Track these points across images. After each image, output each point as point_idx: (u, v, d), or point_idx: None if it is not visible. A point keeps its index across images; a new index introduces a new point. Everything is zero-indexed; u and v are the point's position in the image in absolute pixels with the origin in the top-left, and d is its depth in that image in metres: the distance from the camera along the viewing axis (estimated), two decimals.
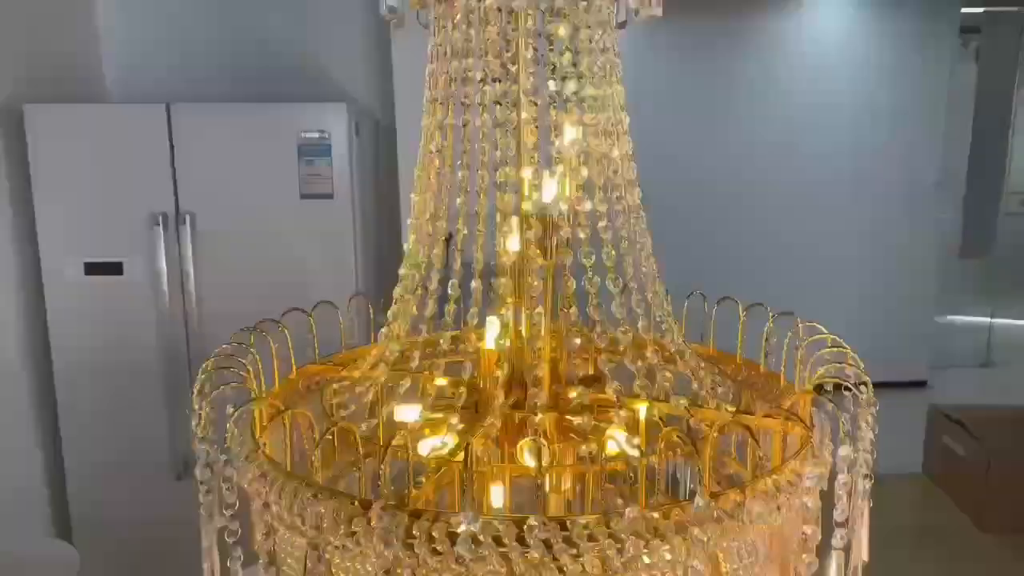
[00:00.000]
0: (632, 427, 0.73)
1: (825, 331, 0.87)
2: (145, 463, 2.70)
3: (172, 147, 2.57)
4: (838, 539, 0.62)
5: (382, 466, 0.57)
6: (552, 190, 0.72)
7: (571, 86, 0.68)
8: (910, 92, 4.91)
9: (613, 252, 0.72)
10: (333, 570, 0.59)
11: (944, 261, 5.28)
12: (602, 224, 0.72)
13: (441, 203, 0.78)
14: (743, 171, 4.89)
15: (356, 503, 0.59)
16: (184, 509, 2.95)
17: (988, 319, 5.85)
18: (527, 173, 0.68)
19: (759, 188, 4.91)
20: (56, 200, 2.55)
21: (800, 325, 0.90)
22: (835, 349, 0.81)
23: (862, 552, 0.69)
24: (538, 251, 0.70)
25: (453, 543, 0.56)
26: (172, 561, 2.76)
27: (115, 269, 2.61)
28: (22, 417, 2.61)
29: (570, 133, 0.72)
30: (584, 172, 0.71)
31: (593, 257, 0.71)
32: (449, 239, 2.73)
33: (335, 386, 0.81)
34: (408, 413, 0.81)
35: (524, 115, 0.69)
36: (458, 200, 0.77)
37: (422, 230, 0.79)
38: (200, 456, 0.68)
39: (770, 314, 0.96)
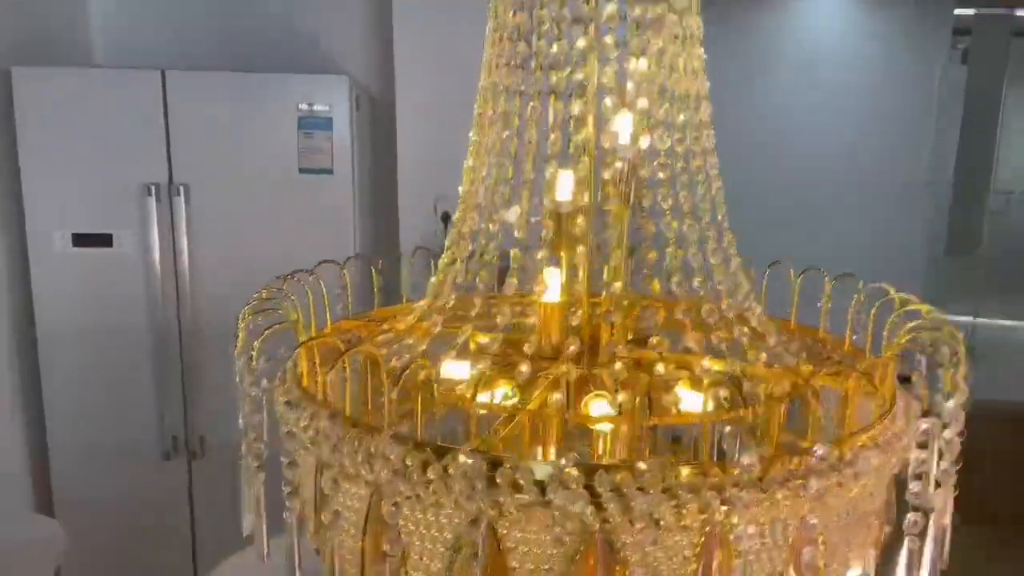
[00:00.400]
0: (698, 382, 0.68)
1: (892, 291, 0.83)
2: (132, 443, 2.62)
3: (167, 115, 2.48)
4: (940, 501, 0.59)
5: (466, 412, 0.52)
6: (627, 128, 0.67)
7: (656, 10, 0.64)
8: (902, 91, 4.93)
9: (690, 196, 0.67)
10: (402, 521, 0.54)
11: (930, 258, 5.32)
12: (680, 165, 0.68)
13: (499, 140, 0.73)
14: (731, 166, 4.86)
15: (430, 450, 0.54)
16: (172, 491, 2.88)
17: (971, 317, 5.91)
18: (608, 102, 0.63)
19: (747, 184, 4.89)
20: (44, 167, 2.45)
21: (862, 287, 0.86)
22: (907, 309, 0.77)
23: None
24: (614, 193, 0.65)
25: (542, 492, 0.51)
26: (159, 543, 2.68)
27: (104, 241, 2.52)
28: (3, 393, 2.51)
29: (643, 63, 0.67)
30: (662, 109, 0.66)
31: (670, 200, 0.67)
32: (447, 219, 2.68)
33: (380, 338, 0.76)
34: (456, 369, 0.76)
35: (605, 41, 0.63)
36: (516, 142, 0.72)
37: (478, 172, 0.74)
38: (244, 400, 0.62)
39: (827, 278, 0.92)
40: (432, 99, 2.84)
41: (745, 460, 0.49)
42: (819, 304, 0.92)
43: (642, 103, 0.64)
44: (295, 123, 2.53)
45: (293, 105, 2.53)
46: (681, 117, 0.67)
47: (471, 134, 0.74)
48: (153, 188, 2.50)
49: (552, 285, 0.74)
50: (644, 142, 0.64)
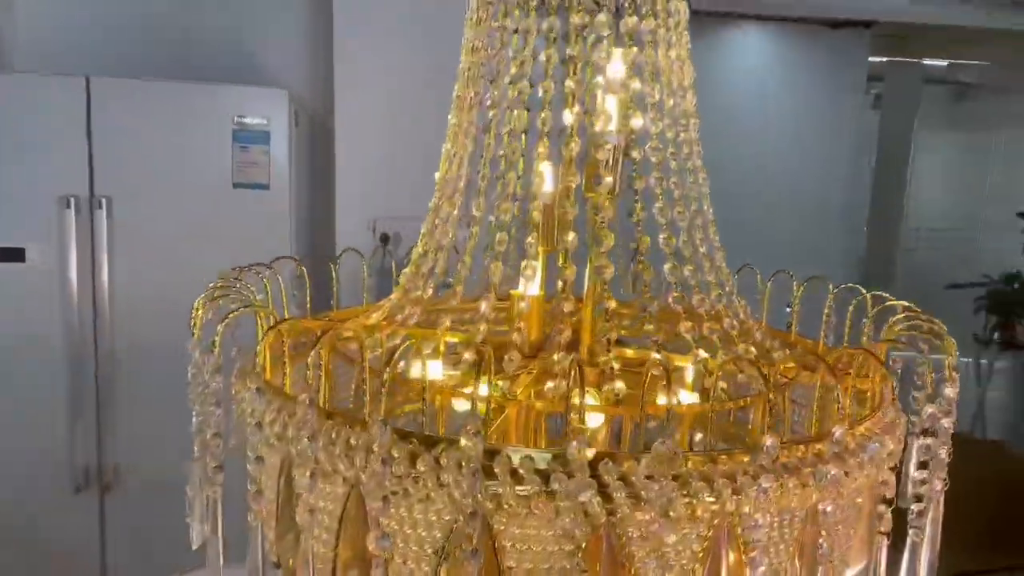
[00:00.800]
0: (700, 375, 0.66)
1: (864, 291, 0.83)
2: (39, 474, 2.42)
3: (89, 124, 2.35)
4: (938, 487, 0.57)
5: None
6: (615, 111, 0.65)
7: None
8: (820, 134, 5.14)
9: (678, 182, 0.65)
10: (386, 520, 0.49)
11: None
12: (670, 151, 0.66)
13: (474, 126, 0.70)
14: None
15: (416, 441, 0.49)
16: (83, 525, 2.66)
17: None
18: (600, 80, 0.61)
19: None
20: None
21: (833, 289, 0.86)
22: (885, 306, 0.77)
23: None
24: (605, 174, 0.63)
25: (545, 481, 0.47)
26: None
27: (16, 255, 2.35)
28: None
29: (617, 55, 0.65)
30: (654, 90, 0.64)
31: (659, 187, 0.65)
32: (386, 240, 2.59)
33: (347, 335, 0.70)
34: (430, 368, 0.71)
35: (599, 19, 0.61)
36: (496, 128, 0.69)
37: (455, 157, 0.71)
38: (200, 396, 0.56)
39: (795, 281, 0.92)
40: (372, 117, 2.80)
41: (768, 441, 0.46)
42: (787, 308, 0.93)
43: (635, 85, 0.62)
44: (229, 136, 2.44)
45: (228, 117, 2.43)
46: (671, 102, 0.66)
47: (450, 116, 0.71)
48: (72, 200, 2.35)
49: (534, 277, 0.71)
50: (636, 123, 0.62)
